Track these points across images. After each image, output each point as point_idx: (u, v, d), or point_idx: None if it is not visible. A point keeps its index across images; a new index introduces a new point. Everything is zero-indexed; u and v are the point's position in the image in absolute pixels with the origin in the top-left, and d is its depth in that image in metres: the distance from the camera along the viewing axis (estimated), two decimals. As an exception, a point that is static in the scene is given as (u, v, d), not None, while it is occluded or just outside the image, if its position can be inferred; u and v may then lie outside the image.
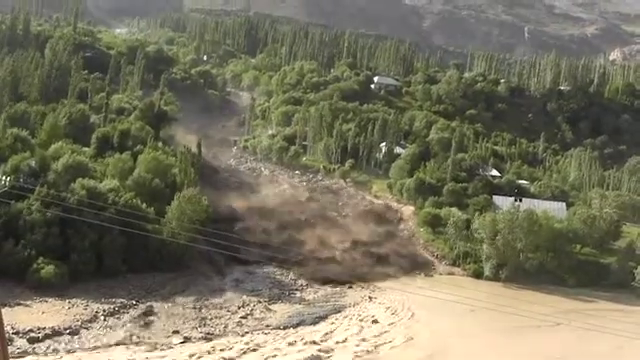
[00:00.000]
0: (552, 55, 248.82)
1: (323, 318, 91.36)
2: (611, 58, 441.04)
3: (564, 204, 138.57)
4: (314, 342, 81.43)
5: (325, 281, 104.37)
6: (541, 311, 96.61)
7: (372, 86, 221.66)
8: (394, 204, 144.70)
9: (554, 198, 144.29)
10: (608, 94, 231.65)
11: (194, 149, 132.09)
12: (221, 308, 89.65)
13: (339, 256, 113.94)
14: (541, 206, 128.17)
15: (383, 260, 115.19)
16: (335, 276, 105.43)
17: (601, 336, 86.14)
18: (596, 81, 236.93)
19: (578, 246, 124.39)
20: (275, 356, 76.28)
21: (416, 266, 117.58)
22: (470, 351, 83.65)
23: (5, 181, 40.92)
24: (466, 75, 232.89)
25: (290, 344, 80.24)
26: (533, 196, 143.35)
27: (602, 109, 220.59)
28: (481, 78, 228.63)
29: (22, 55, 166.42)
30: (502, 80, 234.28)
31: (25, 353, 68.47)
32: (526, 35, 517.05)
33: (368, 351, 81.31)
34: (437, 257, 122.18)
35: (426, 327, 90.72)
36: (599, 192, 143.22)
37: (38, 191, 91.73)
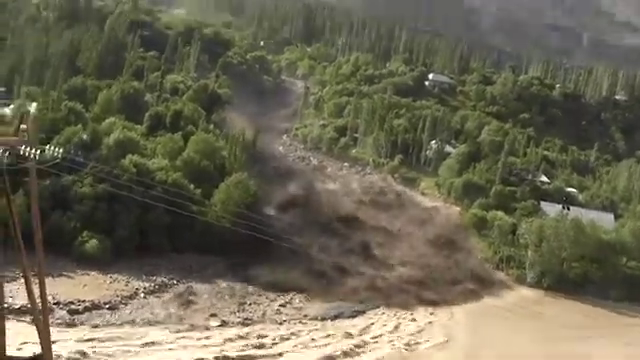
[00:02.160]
0: (610, 63, 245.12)
1: (361, 312, 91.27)
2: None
3: (612, 215, 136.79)
4: (350, 335, 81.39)
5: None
6: (580, 323, 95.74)
7: (426, 83, 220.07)
8: (441, 204, 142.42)
9: (603, 208, 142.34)
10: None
11: (247, 134, 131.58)
12: (260, 295, 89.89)
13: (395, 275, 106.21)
14: (589, 215, 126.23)
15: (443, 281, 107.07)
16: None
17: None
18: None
19: (624, 259, 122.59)
20: (309, 346, 76.33)
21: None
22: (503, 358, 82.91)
23: (58, 152, 40.89)
24: (521, 78, 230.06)
25: (326, 336, 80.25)
26: (581, 205, 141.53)
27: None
28: (536, 82, 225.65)
29: (82, 29, 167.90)
30: (557, 85, 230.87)
31: (64, 324, 69.38)
32: (584, 42, 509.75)
33: (403, 348, 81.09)
34: (480, 260, 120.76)
35: (464, 329, 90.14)
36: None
37: (91, 165, 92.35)
